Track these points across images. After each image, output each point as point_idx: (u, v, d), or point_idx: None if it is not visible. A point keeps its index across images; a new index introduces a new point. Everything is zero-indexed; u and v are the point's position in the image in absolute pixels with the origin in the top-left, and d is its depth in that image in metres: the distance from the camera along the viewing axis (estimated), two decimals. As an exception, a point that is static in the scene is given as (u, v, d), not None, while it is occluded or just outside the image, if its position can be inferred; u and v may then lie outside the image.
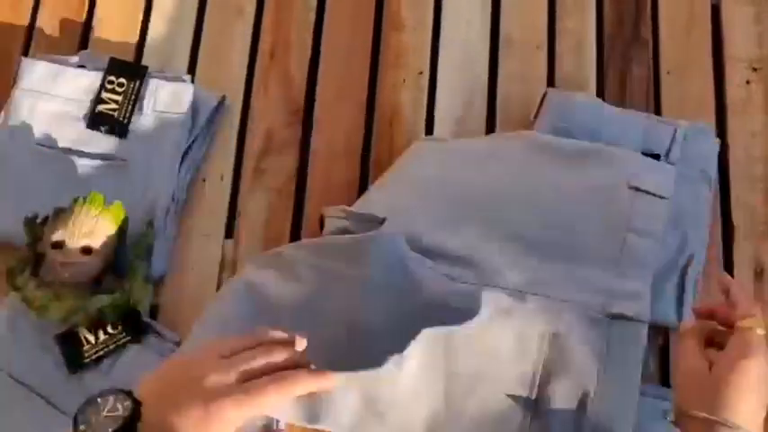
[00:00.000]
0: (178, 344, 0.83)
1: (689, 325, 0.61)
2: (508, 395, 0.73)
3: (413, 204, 0.82)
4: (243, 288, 0.80)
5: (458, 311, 0.73)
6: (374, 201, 0.84)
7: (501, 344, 0.73)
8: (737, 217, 0.90)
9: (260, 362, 0.58)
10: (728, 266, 0.88)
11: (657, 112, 0.93)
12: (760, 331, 0.58)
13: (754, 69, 0.95)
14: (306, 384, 0.59)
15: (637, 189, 0.80)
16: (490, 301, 0.73)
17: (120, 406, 0.56)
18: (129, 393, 0.57)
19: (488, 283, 0.75)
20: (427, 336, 0.72)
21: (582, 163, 0.83)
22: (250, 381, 0.56)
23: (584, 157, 0.83)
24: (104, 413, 0.56)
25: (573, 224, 0.79)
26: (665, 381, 0.84)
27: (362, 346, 0.75)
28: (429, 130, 0.94)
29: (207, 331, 0.79)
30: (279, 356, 0.59)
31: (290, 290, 0.78)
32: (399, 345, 0.72)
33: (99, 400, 0.56)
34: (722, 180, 0.91)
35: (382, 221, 0.80)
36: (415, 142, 0.91)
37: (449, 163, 0.86)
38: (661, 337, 0.86)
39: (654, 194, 0.80)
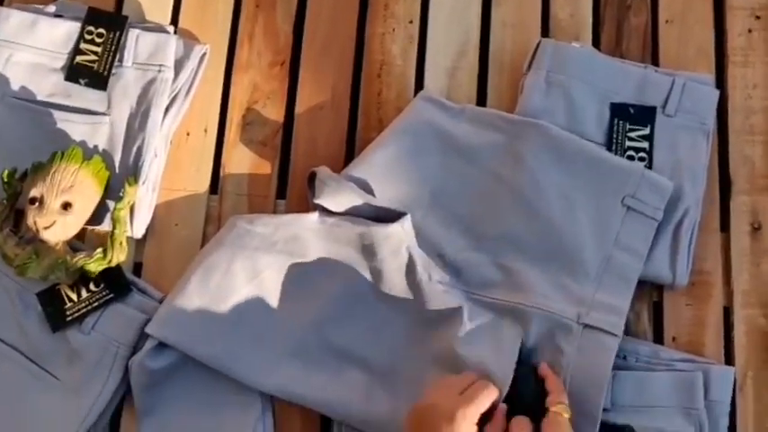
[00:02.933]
0: (161, 301, 0.82)
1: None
2: None
3: (412, 198, 0.83)
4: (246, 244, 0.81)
5: (441, 317, 0.80)
6: (372, 178, 0.83)
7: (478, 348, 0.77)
8: (735, 171, 0.87)
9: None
10: (724, 221, 0.86)
11: (655, 62, 0.91)
12: (566, 415, 0.72)
13: (757, 17, 0.92)
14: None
15: (629, 208, 0.81)
16: (473, 315, 0.79)
17: None
18: None
19: (472, 291, 0.81)
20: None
21: (586, 171, 0.83)
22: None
23: (590, 167, 0.83)
24: None
25: (563, 232, 0.81)
26: (657, 337, 0.83)
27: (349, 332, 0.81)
28: (419, 81, 0.91)
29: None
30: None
31: (297, 263, 0.81)
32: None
33: None
34: (720, 132, 0.88)
35: (400, 215, 0.81)
36: (420, 99, 0.88)
37: (451, 153, 0.85)
38: (655, 293, 0.84)
39: (645, 215, 0.81)
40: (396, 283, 0.81)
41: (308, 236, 0.81)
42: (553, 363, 0.77)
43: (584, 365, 0.76)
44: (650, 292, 0.84)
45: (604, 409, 0.77)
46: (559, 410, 0.72)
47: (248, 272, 0.80)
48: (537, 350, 0.79)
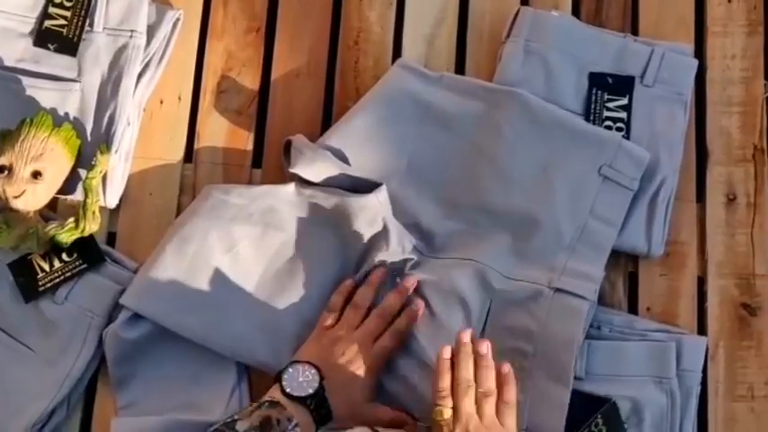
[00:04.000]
0: (136, 271, 0.81)
1: None
2: None
3: (389, 166, 0.82)
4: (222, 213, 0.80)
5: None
6: (349, 147, 0.82)
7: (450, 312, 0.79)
8: (712, 142, 0.88)
9: (380, 328, 0.78)
10: (700, 192, 0.87)
11: (635, 31, 0.90)
12: (442, 417, 0.70)
13: (737, -13, 0.91)
14: (407, 327, 0.78)
15: (606, 177, 0.81)
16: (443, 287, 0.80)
17: (308, 373, 0.72)
18: (310, 362, 0.73)
19: (446, 257, 0.81)
20: None
21: (563, 141, 0.82)
22: (377, 342, 0.77)
23: (567, 136, 0.82)
24: (300, 378, 0.72)
25: (539, 201, 0.81)
26: (632, 307, 0.84)
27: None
28: (397, 49, 0.90)
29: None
30: (390, 316, 0.78)
31: (273, 234, 0.80)
32: None
33: (291, 369, 0.72)
34: (697, 103, 0.88)
35: (375, 186, 0.80)
36: (398, 67, 0.86)
37: (428, 122, 0.84)
38: (631, 263, 0.85)
39: (621, 185, 0.81)
40: (369, 255, 0.80)
41: (285, 208, 0.81)
42: (524, 327, 0.78)
43: (555, 329, 0.77)
44: (626, 263, 0.85)
45: (578, 378, 0.78)
46: (438, 416, 0.71)
47: (224, 243, 0.79)
48: (507, 316, 0.79)
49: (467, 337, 0.73)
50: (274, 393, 0.71)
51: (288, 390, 0.71)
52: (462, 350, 0.72)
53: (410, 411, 0.77)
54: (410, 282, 0.79)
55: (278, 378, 0.72)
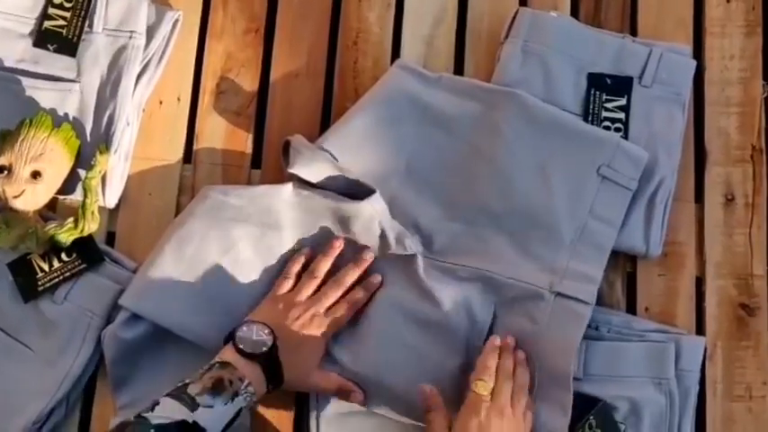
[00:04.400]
0: (135, 271, 0.81)
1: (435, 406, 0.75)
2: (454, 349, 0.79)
3: (388, 167, 0.83)
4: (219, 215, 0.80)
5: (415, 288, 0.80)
6: (348, 147, 0.82)
7: (450, 316, 0.79)
8: (710, 142, 0.88)
9: (335, 296, 0.79)
10: (698, 192, 0.87)
11: (634, 32, 0.90)
12: (484, 392, 0.73)
13: (735, -12, 0.91)
14: (363, 299, 0.80)
15: (604, 177, 0.81)
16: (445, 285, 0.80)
17: (261, 333, 0.73)
18: (263, 323, 0.74)
19: (445, 260, 0.81)
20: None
21: (562, 141, 0.82)
22: (331, 310, 0.78)
23: (566, 137, 0.83)
24: (254, 337, 0.72)
25: (538, 201, 0.81)
26: (630, 307, 0.84)
27: None
28: (396, 50, 0.90)
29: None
30: (345, 285, 0.79)
31: (271, 235, 0.81)
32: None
33: (245, 328, 0.73)
34: (696, 103, 0.88)
35: (371, 191, 0.80)
36: (396, 68, 0.87)
37: (427, 123, 0.84)
38: (629, 263, 0.85)
39: (620, 184, 0.81)
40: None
41: (283, 207, 0.81)
42: (524, 331, 0.78)
43: (556, 333, 0.77)
44: (624, 263, 0.85)
45: (577, 379, 0.78)
46: (476, 389, 0.73)
47: (222, 243, 0.79)
48: (509, 318, 0.79)
49: (512, 341, 0.78)
50: (225, 355, 0.72)
51: (241, 346, 0.72)
52: (506, 347, 0.77)
53: (357, 382, 0.77)
54: (368, 255, 0.80)
55: (231, 336, 0.73)
